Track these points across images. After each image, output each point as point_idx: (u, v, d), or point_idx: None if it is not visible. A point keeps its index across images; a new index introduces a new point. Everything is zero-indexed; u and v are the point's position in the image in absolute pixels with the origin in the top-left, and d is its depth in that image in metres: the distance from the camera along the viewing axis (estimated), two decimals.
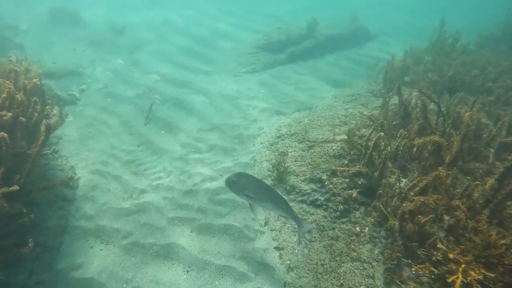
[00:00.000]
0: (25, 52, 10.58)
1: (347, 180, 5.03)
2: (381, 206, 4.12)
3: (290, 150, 6.13)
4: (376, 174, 4.70)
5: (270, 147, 6.61)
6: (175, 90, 9.24)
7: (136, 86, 9.36)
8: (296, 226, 4.46)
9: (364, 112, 6.91)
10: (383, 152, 4.61)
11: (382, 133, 4.74)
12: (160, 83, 9.60)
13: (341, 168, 5.07)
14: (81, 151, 6.78)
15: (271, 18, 16.83)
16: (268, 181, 5.77)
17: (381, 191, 4.29)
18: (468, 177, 4.54)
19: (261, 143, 6.89)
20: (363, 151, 4.91)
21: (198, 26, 14.64)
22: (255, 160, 6.39)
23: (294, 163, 5.76)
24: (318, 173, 5.33)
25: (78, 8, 14.48)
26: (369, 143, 4.78)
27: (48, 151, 5.73)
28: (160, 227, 5.14)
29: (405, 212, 3.81)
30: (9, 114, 3.86)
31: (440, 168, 4.11)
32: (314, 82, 10.04)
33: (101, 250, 4.83)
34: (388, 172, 4.76)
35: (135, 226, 5.17)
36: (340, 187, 5.01)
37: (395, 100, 6.79)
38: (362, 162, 4.85)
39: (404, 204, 3.86)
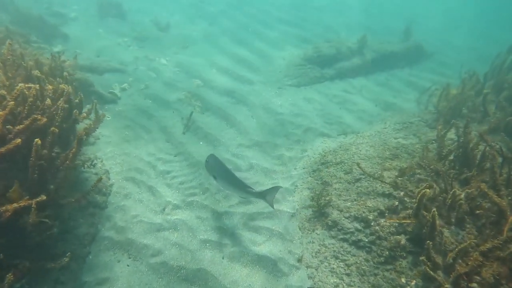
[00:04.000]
0: (69, 42, 10.69)
1: (396, 224, 4.61)
2: (427, 266, 3.69)
3: (334, 181, 5.73)
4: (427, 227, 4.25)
5: (313, 174, 6.23)
6: (217, 98, 8.93)
7: (178, 90, 9.13)
8: (262, 201, 4.76)
9: (417, 146, 6.38)
10: (433, 211, 4.05)
11: (428, 191, 4.22)
12: (203, 89, 9.33)
13: (389, 219, 4.64)
14: (117, 155, 6.61)
15: (322, 27, 16.13)
16: (309, 212, 5.43)
17: (424, 258, 3.84)
18: None
19: (303, 168, 6.51)
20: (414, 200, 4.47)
21: (247, 31, 14.33)
22: (296, 186, 6.05)
23: (338, 196, 5.37)
24: (364, 212, 4.93)
25: (122, 1, 14.54)
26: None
27: (86, 164, 5.59)
28: (191, 249, 4.88)
29: (459, 276, 3.40)
30: (44, 119, 3.60)
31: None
32: (362, 102, 9.52)
33: (127, 265, 4.61)
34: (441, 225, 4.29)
35: (165, 244, 4.93)
36: (388, 230, 4.59)
37: (451, 133, 6.22)
38: (412, 212, 4.40)
39: (459, 267, 3.46)
